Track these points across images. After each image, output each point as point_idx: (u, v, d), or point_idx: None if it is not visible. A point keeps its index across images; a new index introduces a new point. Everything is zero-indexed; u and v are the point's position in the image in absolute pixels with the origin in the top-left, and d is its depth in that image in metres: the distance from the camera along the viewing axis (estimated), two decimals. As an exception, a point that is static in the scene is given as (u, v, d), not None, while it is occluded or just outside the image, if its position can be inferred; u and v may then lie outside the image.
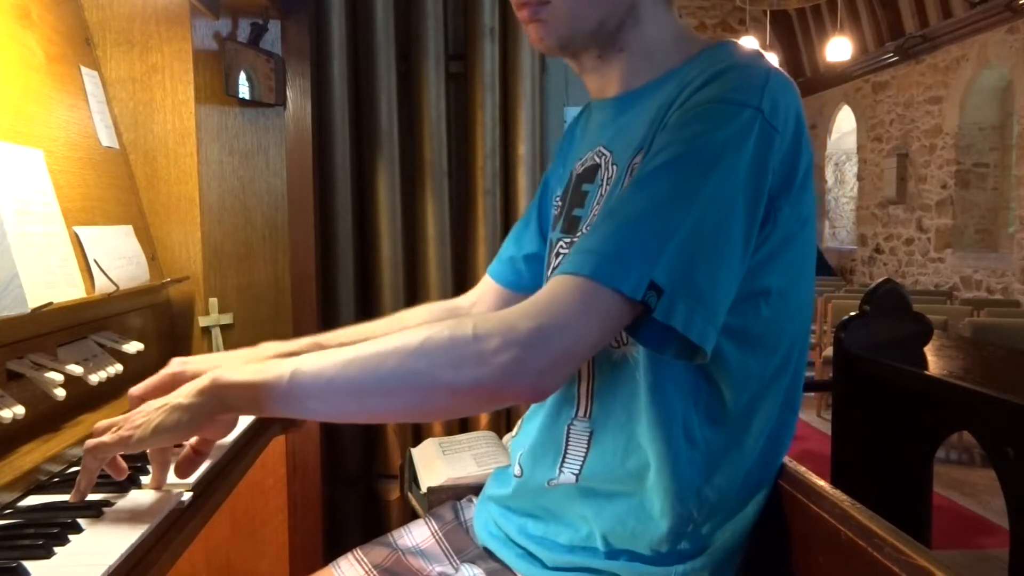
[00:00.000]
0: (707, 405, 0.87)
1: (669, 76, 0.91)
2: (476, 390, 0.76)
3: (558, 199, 1.07)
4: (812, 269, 0.91)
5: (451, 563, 1.05)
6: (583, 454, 0.91)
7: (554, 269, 0.95)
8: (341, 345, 1.07)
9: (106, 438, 0.83)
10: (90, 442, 0.84)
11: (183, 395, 0.82)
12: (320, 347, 1.07)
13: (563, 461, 0.92)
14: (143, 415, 0.83)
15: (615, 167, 0.93)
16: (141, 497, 0.91)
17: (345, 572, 1.05)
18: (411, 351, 0.76)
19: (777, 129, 0.81)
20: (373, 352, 0.77)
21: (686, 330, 0.75)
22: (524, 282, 1.15)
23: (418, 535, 1.09)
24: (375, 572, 1.04)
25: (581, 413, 0.91)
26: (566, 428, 0.92)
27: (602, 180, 0.95)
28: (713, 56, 0.87)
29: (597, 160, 0.97)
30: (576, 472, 0.91)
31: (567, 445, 0.92)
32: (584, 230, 0.94)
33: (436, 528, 1.10)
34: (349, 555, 1.08)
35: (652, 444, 0.85)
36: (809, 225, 0.87)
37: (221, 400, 0.81)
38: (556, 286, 0.77)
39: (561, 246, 0.99)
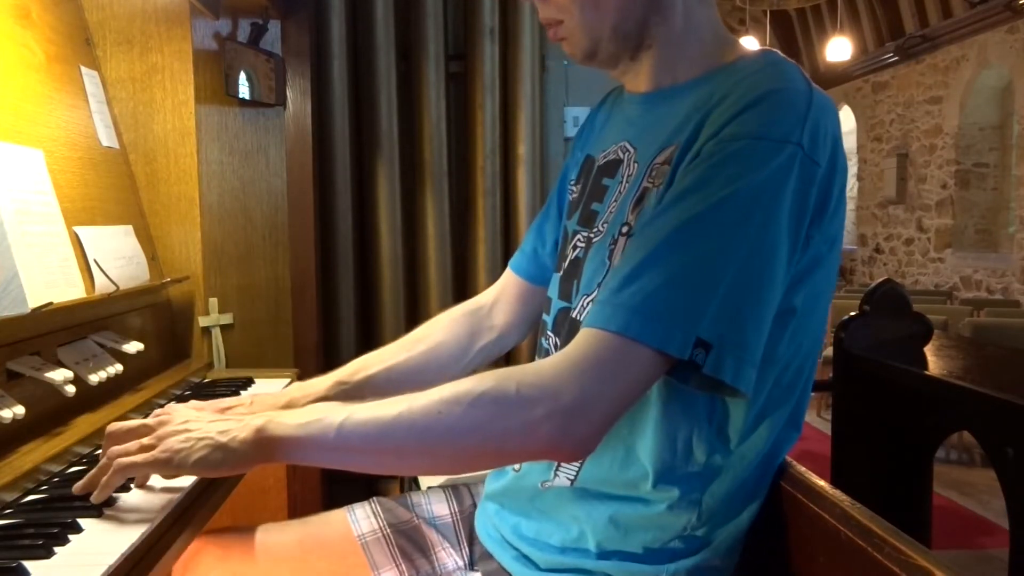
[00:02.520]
0: (719, 421, 0.86)
1: (703, 80, 0.89)
2: (520, 454, 0.80)
3: (572, 184, 1.06)
4: (833, 287, 0.90)
5: (461, 551, 1.04)
6: (579, 462, 0.90)
7: (585, 310, 0.92)
8: (364, 381, 1.09)
9: (139, 459, 0.83)
10: (122, 461, 0.83)
11: (228, 435, 0.81)
12: (344, 385, 1.08)
13: (558, 466, 0.91)
14: (182, 438, 0.82)
15: (636, 165, 0.92)
16: (141, 496, 0.91)
17: (359, 521, 1.04)
18: (458, 416, 0.76)
19: (818, 163, 0.79)
20: (421, 412, 0.77)
21: (735, 382, 0.76)
22: (547, 275, 1.14)
23: (437, 509, 1.08)
24: (389, 530, 1.03)
25: None
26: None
27: (622, 177, 0.94)
28: (749, 69, 0.85)
29: (620, 155, 0.96)
30: (571, 478, 0.90)
31: None
32: (600, 227, 0.93)
33: (455, 508, 1.09)
34: (366, 505, 1.07)
35: (652, 458, 0.85)
36: (836, 245, 0.86)
37: (264, 451, 0.81)
38: (597, 344, 0.76)
39: (578, 240, 0.97)
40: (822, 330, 0.91)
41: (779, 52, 0.89)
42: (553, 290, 1.02)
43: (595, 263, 0.92)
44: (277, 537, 1.03)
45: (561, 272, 1.01)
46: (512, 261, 1.20)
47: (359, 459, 0.81)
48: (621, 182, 0.94)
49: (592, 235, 0.95)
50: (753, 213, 0.76)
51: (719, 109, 0.82)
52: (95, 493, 0.86)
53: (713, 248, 0.76)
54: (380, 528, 1.03)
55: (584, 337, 0.77)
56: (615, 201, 0.93)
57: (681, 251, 0.76)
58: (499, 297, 1.20)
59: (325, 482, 2.05)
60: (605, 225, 0.93)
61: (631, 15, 0.90)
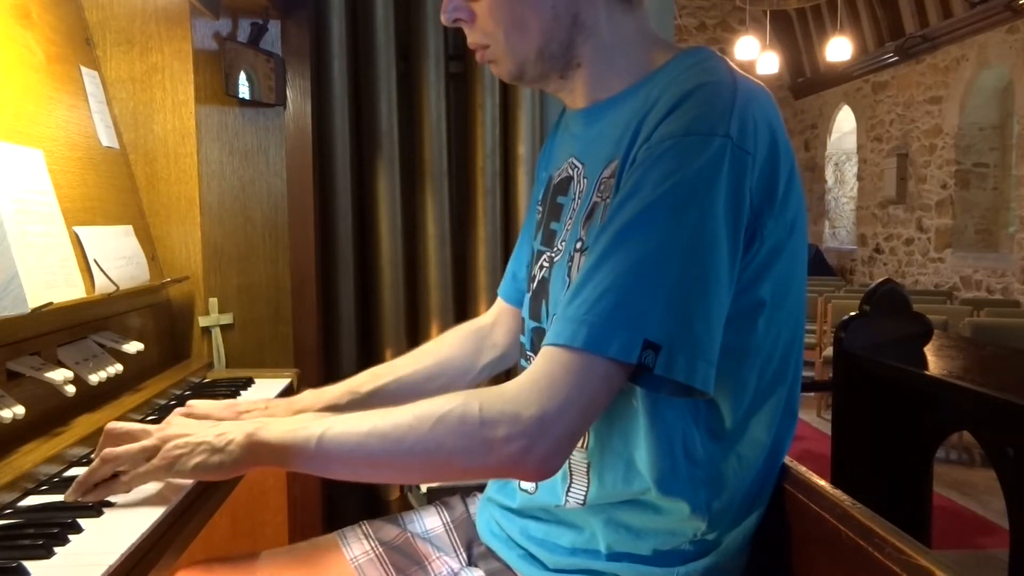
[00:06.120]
0: (707, 421, 0.86)
1: (637, 87, 0.90)
2: (486, 472, 0.82)
3: (539, 205, 1.07)
4: (804, 271, 0.90)
5: (458, 557, 1.05)
6: (585, 484, 0.91)
7: (548, 327, 0.93)
8: (374, 391, 1.12)
9: (143, 470, 0.86)
10: (129, 476, 0.86)
11: (224, 440, 0.85)
12: (355, 394, 1.12)
13: (568, 490, 0.92)
14: (180, 442, 0.86)
15: (586, 180, 0.93)
16: (141, 496, 0.91)
17: (351, 545, 1.05)
18: (424, 433, 0.79)
19: (749, 151, 0.79)
20: (392, 427, 0.81)
21: (689, 380, 0.76)
22: None
23: (428, 522, 1.09)
24: (381, 549, 1.04)
25: (579, 443, 0.91)
26: (567, 458, 0.92)
27: (574, 194, 0.95)
28: (678, 70, 0.86)
29: (570, 172, 0.97)
30: (580, 501, 0.91)
31: (571, 475, 0.92)
32: (559, 246, 0.95)
33: (447, 519, 1.10)
34: (356, 528, 1.08)
35: (651, 469, 0.85)
36: (797, 229, 0.86)
37: (255, 455, 0.84)
38: (551, 361, 0.78)
39: (543, 260, 0.99)
40: (801, 317, 0.91)
41: (709, 48, 0.89)
42: (525, 310, 1.03)
43: (558, 282, 0.93)
44: (272, 567, 1.04)
45: (531, 293, 1.02)
46: (500, 288, 1.23)
47: (337, 468, 0.84)
48: (574, 199, 0.95)
49: (553, 254, 0.96)
50: (687, 210, 0.77)
51: (651, 115, 0.82)
52: (91, 493, 0.87)
53: (651, 249, 0.76)
54: (372, 548, 1.04)
55: (541, 355, 0.79)
56: (570, 219, 0.94)
57: (620, 257, 0.77)
58: (498, 319, 1.23)
59: (325, 483, 2.05)
60: (563, 244, 0.94)
61: (555, 38, 0.90)
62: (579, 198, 0.93)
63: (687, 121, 0.79)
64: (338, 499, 2.14)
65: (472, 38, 0.94)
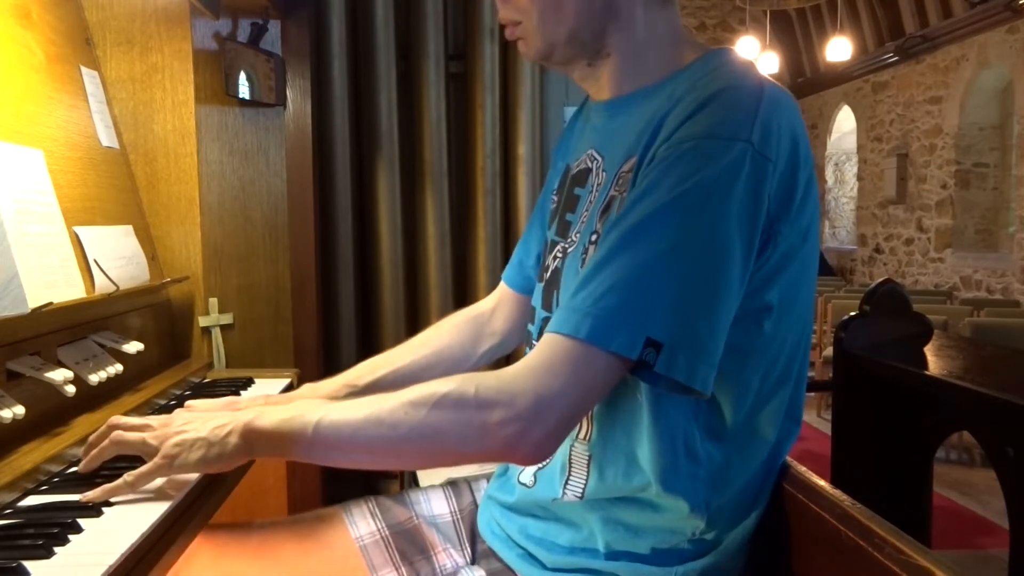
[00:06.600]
0: (708, 420, 0.86)
1: (661, 85, 0.90)
2: (481, 456, 0.82)
3: (554, 193, 1.07)
4: (814, 277, 0.90)
5: (463, 551, 1.04)
6: (584, 477, 0.91)
7: (549, 318, 0.94)
8: (371, 384, 1.12)
9: (146, 470, 0.88)
10: (132, 476, 0.88)
11: (222, 432, 0.86)
12: (353, 388, 1.12)
13: (567, 482, 0.92)
14: (180, 440, 0.87)
15: (604, 174, 0.93)
16: (141, 496, 0.91)
17: (357, 522, 1.04)
18: (421, 417, 0.79)
19: (770, 158, 0.79)
20: (387, 412, 0.81)
21: (689, 381, 0.76)
22: (533, 286, 1.16)
23: (436, 506, 1.08)
24: (388, 532, 1.03)
25: (581, 435, 0.91)
26: (569, 449, 0.92)
27: (592, 186, 0.95)
28: (704, 70, 0.86)
29: (589, 164, 0.97)
30: (579, 494, 0.91)
31: (571, 467, 0.92)
32: (574, 237, 0.95)
33: (455, 507, 1.09)
34: (363, 504, 1.07)
35: (653, 464, 0.85)
36: (811, 235, 0.86)
37: (252, 445, 0.85)
38: (552, 348, 0.78)
39: (557, 251, 0.99)
40: (808, 322, 0.91)
41: (733, 50, 0.90)
42: (537, 300, 1.03)
43: (571, 273, 0.93)
44: (274, 537, 1.04)
45: (543, 282, 1.02)
46: (504, 272, 1.23)
47: (334, 455, 0.84)
48: (591, 191, 0.95)
49: (567, 245, 0.96)
50: (702, 212, 0.77)
51: (673, 113, 0.82)
52: (96, 453, 0.93)
53: (662, 249, 0.77)
54: (379, 530, 1.03)
55: (543, 342, 0.79)
56: (586, 211, 0.94)
57: (631, 253, 0.77)
58: (498, 304, 1.23)
59: (324, 481, 2.05)
60: (578, 235, 0.94)
61: (589, 24, 0.91)
62: (596, 190, 0.93)
63: (710, 124, 0.79)
64: (338, 498, 2.14)
65: (505, 12, 0.94)
